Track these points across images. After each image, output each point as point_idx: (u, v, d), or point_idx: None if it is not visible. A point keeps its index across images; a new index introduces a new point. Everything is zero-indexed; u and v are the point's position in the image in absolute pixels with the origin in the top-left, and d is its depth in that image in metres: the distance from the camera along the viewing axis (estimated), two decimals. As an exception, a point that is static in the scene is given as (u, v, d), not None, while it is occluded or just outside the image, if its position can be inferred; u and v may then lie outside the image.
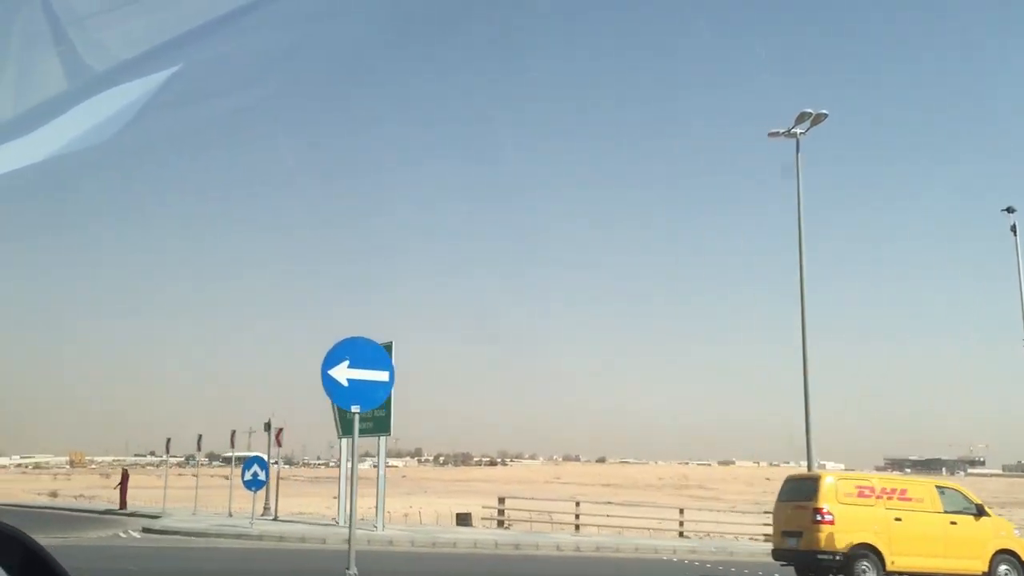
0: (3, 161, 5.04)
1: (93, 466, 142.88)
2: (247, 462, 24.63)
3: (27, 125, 5.12)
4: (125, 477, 36.07)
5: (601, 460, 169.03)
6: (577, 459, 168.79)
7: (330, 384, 11.18)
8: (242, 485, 24.53)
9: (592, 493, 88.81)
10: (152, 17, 5.54)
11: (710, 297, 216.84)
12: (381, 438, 24.64)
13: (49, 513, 33.96)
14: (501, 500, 28.25)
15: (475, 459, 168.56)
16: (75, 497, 64.42)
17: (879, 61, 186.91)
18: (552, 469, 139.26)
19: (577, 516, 27.54)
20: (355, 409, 11.26)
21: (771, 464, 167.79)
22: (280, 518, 29.05)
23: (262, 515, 30.35)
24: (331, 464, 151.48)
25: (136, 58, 5.33)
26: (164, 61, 5.34)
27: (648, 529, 27.58)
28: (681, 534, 27.49)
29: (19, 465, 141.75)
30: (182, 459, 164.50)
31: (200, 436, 37.35)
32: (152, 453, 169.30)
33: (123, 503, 35.36)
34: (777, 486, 17.41)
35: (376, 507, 24.22)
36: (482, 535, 24.45)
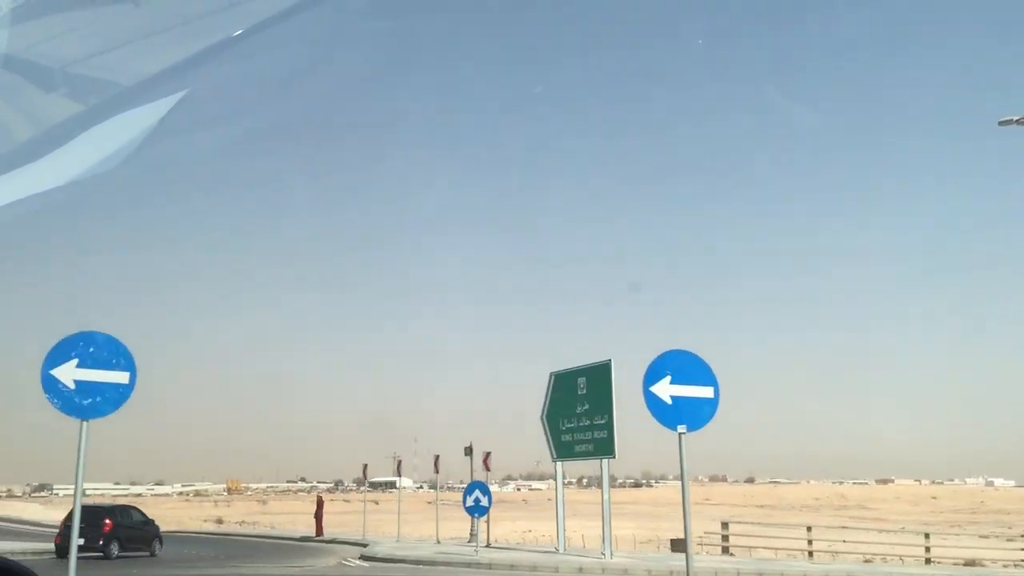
0: (17, 187, 5.12)
1: (249, 493, 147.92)
2: (468, 487, 23.78)
3: (37, 151, 5.20)
4: (320, 504, 36.11)
5: (750, 480, 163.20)
6: (724, 479, 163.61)
7: (652, 401, 10.03)
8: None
9: (748, 514, 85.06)
10: (157, 44, 5.64)
11: (859, 312, 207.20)
12: (604, 461, 23.37)
13: (252, 541, 34.29)
14: (724, 525, 26.48)
15: (618, 481, 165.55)
16: (239, 523, 66.09)
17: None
18: (699, 490, 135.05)
19: (810, 542, 25.45)
20: (681, 429, 10.06)
21: (934, 482, 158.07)
22: (493, 544, 28.12)
23: (469, 542, 29.66)
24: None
25: (143, 84, 5.43)
26: (170, 87, 5.39)
27: (896, 556, 25.22)
28: (928, 561, 24.99)
29: (180, 493, 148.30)
30: (331, 484, 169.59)
31: (365, 465, 37.65)
32: (302, 479, 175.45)
33: (319, 530, 35.43)
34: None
35: (603, 535, 22.94)
36: (718, 563, 22.75)
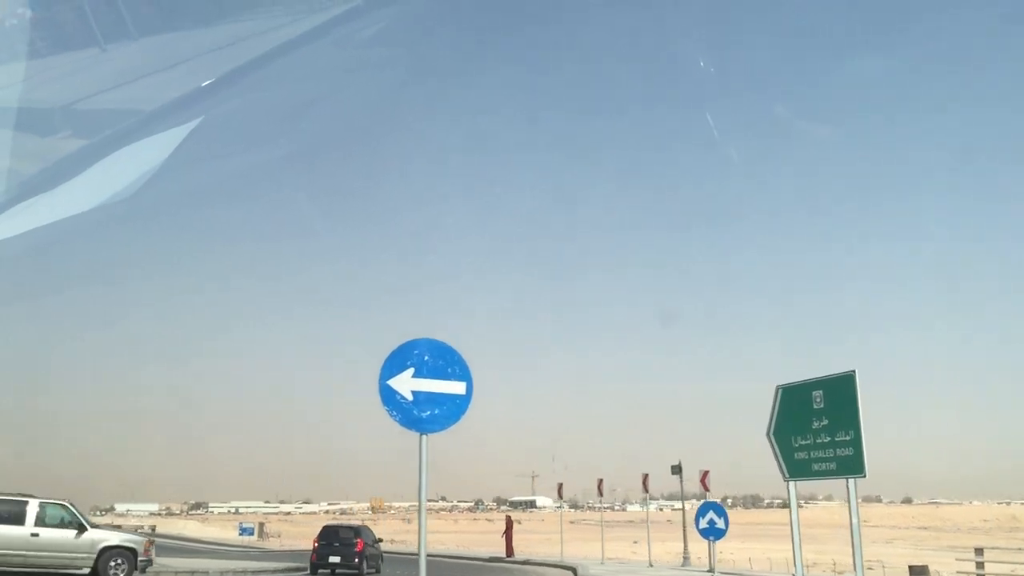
0: (29, 217, 5.11)
1: (392, 511, 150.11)
2: (701, 508, 22.36)
3: (51, 180, 5.24)
4: (509, 525, 35.49)
5: (907, 501, 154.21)
6: (878, 499, 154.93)
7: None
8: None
9: (911, 537, 79.92)
10: (170, 73, 5.67)
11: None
12: (851, 480, 21.43)
13: (444, 562, 33.81)
14: (979, 551, 24.06)
15: (764, 501, 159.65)
16: (390, 541, 66.20)
17: None
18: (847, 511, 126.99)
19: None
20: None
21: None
22: (720, 569, 26.51)
23: (682, 565, 28.27)
24: (615, 507, 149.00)
25: (157, 112, 5.44)
26: (184, 116, 5.41)
27: None
28: None
29: (327, 511, 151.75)
30: (471, 504, 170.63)
31: (560, 485, 37.44)
32: (442, 498, 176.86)
33: (510, 550, 34.75)
34: None
35: (854, 563, 20.99)
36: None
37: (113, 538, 18.14)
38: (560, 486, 38.16)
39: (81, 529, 17.54)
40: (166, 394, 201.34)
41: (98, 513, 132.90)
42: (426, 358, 8.55)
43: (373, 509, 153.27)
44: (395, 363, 8.41)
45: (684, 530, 28.69)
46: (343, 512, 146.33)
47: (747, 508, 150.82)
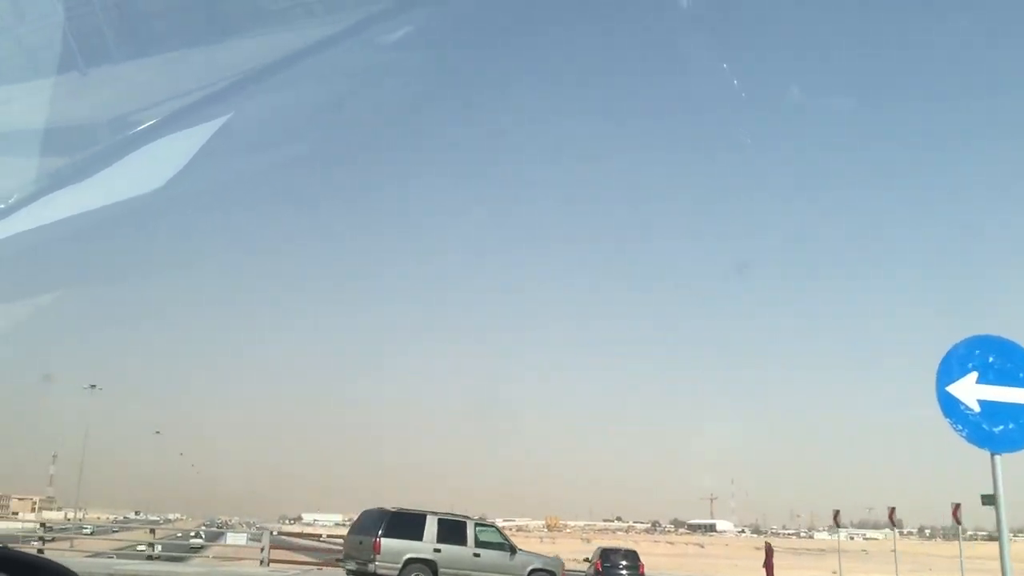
0: (58, 208, 5.42)
1: (568, 530, 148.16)
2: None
3: (80, 173, 5.56)
4: (770, 552, 32.71)
5: None
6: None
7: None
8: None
9: None
10: (201, 68, 5.98)
11: None
12: None
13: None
14: None
15: (967, 532, 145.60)
16: (580, 560, 63.37)
17: None
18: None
19: None
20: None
21: None
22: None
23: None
24: (801, 535, 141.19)
25: (186, 108, 5.65)
26: (213, 112, 5.65)
27: None
28: None
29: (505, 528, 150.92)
30: (647, 525, 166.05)
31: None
32: (618, 518, 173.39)
33: (777, 581, 31.92)
34: None
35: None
36: None
37: (537, 561, 18.84)
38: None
39: (513, 551, 18.24)
40: (348, 407, 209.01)
41: (287, 522, 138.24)
42: (991, 359, 7.19)
43: (548, 527, 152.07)
44: (953, 365, 7.17)
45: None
46: (519, 529, 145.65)
47: (947, 540, 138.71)
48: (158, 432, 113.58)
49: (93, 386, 79.55)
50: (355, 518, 20.22)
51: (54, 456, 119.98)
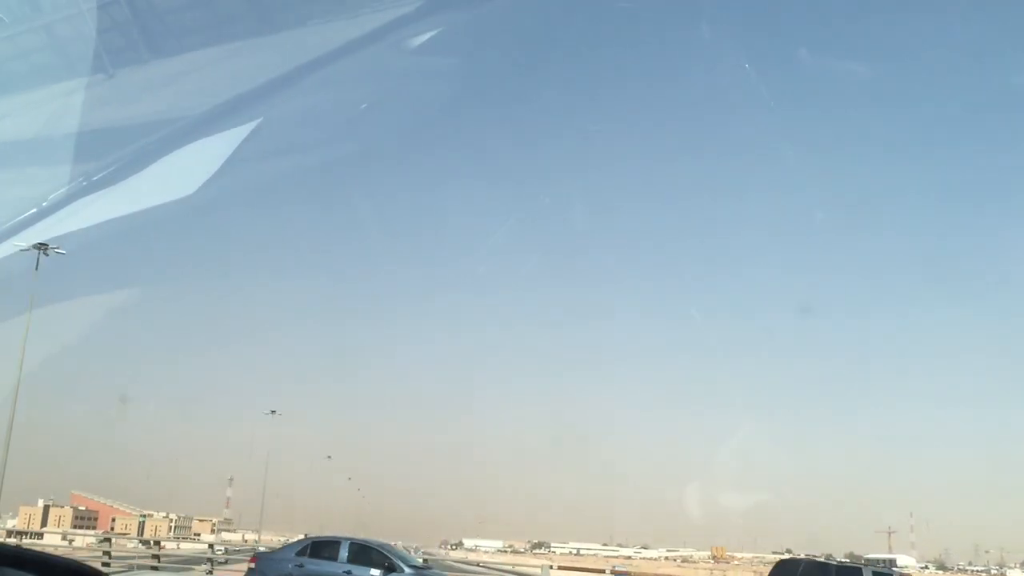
0: (93, 211, 5.33)
1: (736, 562, 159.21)
2: None
3: (114, 176, 5.36)
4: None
5: None
6: None
7: None
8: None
9: None
10: (232, 71, 5.67)
11: None
12: None
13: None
14: None
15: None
16: None
17: None
18: None
19: None
20: None
21: None
22: None
23: None
24: (993, 572, 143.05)
25: (218, 110, 5.45)
26: (245, 115, 5.54)
27: None
28: None
29: (667, 558, 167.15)
30: (822, 558, 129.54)
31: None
32: (788, 551, 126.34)
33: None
34: None
35: None
36: None
37: None
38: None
39: None
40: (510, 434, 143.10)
41: (450, 547, 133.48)
42: None
43: (714, 558, 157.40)
44: None
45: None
46: (685, 560, 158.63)
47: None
48: (329, 457, 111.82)
49: (273, 412, 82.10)
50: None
51: (230, 479, 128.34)
